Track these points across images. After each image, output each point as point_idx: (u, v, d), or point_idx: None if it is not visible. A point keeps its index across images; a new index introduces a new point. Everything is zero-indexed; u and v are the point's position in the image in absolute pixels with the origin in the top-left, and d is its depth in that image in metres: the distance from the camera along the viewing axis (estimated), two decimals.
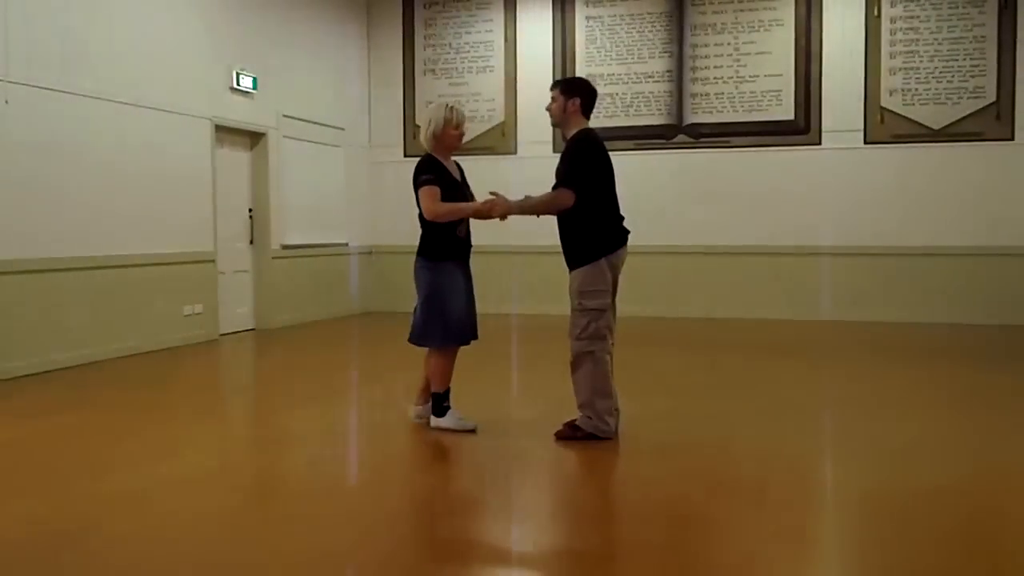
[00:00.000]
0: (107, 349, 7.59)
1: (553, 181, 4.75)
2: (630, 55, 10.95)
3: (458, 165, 5.12)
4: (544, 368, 6.67)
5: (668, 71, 10.84)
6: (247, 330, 9.68)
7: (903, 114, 10.17)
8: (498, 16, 11.38)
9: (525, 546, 3.48)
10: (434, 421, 5.02)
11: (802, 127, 10.46)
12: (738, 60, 10.63)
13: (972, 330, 9.40)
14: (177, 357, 7.93)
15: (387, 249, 11.63)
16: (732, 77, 10.66)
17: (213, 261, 8.94)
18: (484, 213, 4.75)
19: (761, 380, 6.91)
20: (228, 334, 9.26)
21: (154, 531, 3.51)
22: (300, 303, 10.33)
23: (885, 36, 10.21)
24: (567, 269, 4.80)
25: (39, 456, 4.69)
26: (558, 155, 4.92)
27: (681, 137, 10.84)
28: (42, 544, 3.35)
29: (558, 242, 4.84)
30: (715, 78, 10.71)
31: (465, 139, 5.14)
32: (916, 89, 10.13)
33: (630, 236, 4.89)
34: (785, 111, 10.51)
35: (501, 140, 11.32)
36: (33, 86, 6.95)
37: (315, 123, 10.62)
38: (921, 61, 10.11)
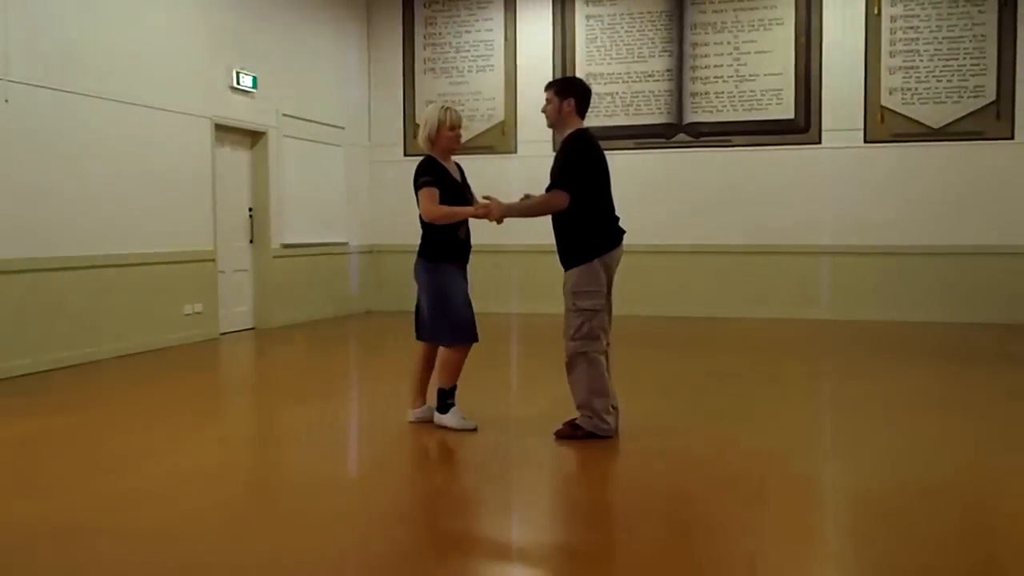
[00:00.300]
0: (107, 348, 7.60)
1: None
2: (630, 54, 10.95)
3: (459, 166, 5.13)
4: (544, 367, 6.67)
5: (668, 70, 10.84)
6: (247, 329, 9.68)
7: (903, 113, 10.17)
8: (498, 15, 11.38)
9: (525, 545, 3.48)
10: (437, 418, 5.04)
11: (802, 126, 10.46)
12: (738, 59, 10.63)
13: (972, 329, 9.40)
14: (177, 356, 7.93)
15: (387, 248, 11.64)
16: (732, 76, 10.66)
17: (213, 260, 8.95)
18: (480, 217, 4.80)
19: (761, 379, 6.92)
20: (228, 333, 9.27)
21: (155, 530, 3.51)
22: (300, 302, 10.33)
23: (885, 35, 10.21)
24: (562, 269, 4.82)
25: (39, 455, 4.69)
26: None
27: (681, 136, 10.84)
28: (42, 544, 3.35)
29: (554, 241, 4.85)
30: (715, 77, 10.71)
31: (465, 138, 5.15)
32: (916, 88, 10.13)
33: (627, 235, 4.89)
34: (785, 110, 10.51)
35: (501, 139, 11.32)
36: (33, 85, 6.95)
37: (315, 122, 10.62)
38: (921, 60, 10.11)
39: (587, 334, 4.69)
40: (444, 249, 4.93)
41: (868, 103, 10.26)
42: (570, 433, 4.79)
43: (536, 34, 11.25)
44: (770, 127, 10.54)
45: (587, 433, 4.74)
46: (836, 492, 4.13)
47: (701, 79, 10.76)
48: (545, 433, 4.86)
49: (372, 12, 11.89)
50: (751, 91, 10.60)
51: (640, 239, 9.95)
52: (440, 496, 4.14)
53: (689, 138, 10.82)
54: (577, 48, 11.11)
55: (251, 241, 9.81)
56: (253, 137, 9.79)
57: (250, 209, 9.79)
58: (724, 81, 10.68)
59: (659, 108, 10.88)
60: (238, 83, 9.28)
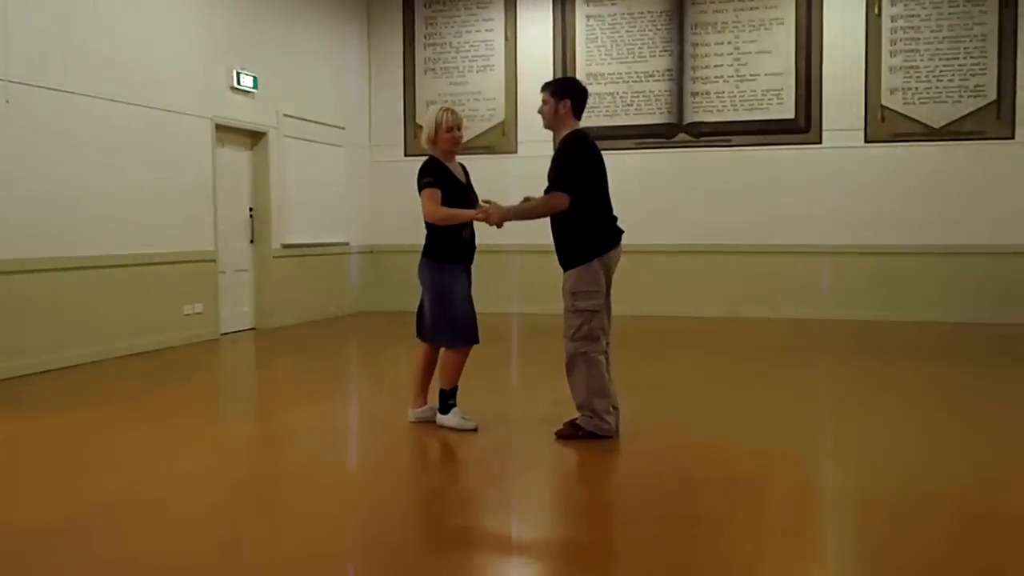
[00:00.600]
0: (107, 348, 7.60)
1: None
2: (630, 54, 10.95)
3: (463, 167, 5.14)
4: (544, 367, 6.67)
5: (668, 70, 10.84)
6: (247, 329, 9.68)
7: (903, 113, 10.17)
8: (498, 15, 11.38)
9: (526, 545, 3.48)
10: (439, 418, 5.05)
11: (802, 126, 10.46)
12: (738, 59, 10.63)
13: (973, 329, 9.39)
14: (177, 356, 7.93)
15: (388, 248, 11.64)
16: (732, 76, 10.65)
17: (214, 260, 8.95)
18: (480, 221, 4.81)
19: (761, 379, 6.91)
20: (228, 333, 9.27)
21: (155, 531, 3.51)
22: (301, 302, 10.33)
23: (885, 35, 10.21)
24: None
25: (39, 456, 4.69)
26: None
27: (682, 136, 10.84)
28: (42, 544, 3.35)
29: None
30: (716, 77, 10.71)
31: (466, 138, 5.16)
32: (916, 88, 10.13)
33: (627, 235, 4.88)
34: (785, 110, 10.50)
35: (501, 139, 11.32)
36: (34, 86, 6.96)
37: (316, 122, 10.62)
38: (921, 60, 10.11)
39: (587, 335, 4.68)
40: (449, 249, 4.94)
41: (868, 103, 10.25)
42: (571, 433, 4.79)
43: (536, 34, 11.24)
44: (771, 127, 10.54)
45: (588, 433, 4.74)
46: (836, 492, 4.12)
47: (701, 79, 10.76)
48: (546, 433, 4.86)
49: (372, 12, 11.89)
50: (752, 91, 10.60)
51: (640, 239, 9.94)
52: (441, 496, 4.14)
53: (690, 138, 10.81)
54: (577, 48, 11.11)
55: (251, 241, 9.81)
56: (253, 137, 9.79)
57: (250, 209, 9.79)
58: (724, 81, 10.68)
59: (659, 108, 10.87)
60: (239, 83, 9.28)
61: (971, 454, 4.65)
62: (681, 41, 10.80)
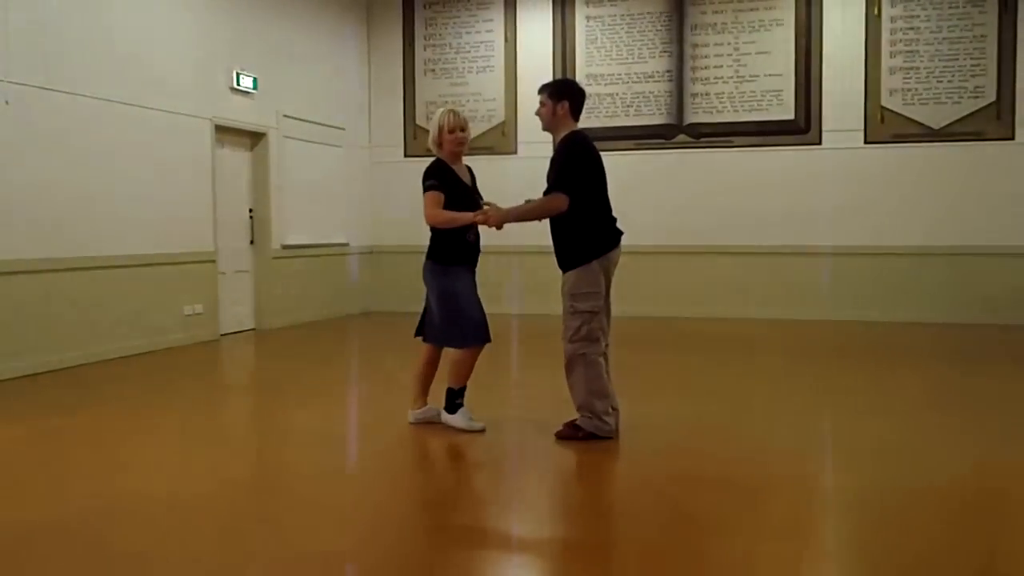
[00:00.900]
0: (108, 349, 7.60)
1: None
2: (630, 55, 10.95)
3: (469, 169, 5.14)
4: (545, 368, 6.67)
5: (668, 71, 10.84)
6: (247, 330, 9.68)
7: (903, 114, 10.17)
8: (498, 16, 11.39)
9: (527, 544, 3.48)
10: (445, 418, 5.05)
11: (802, 127, 10.46)
12: (738, 60, 10.63)
13: (973, 330, 9.39)
14: (177, 357, 7.93)
15: (387, 249, 11.65)
16: (732, 77, 10.66)
17: (213, 261, 8.95)
18: (480, 223, 4.81)
19: (762, 380, 6.91)
20: (228, 334, 9.27)
21: (155, 532, 3.51)
22: (300, 303, 10.33)
23: (885, 36, 10.21)
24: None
25: (40, 456, 4.69)
26: None
27: (681, 137, 10.85)
28: (42, 544, 3.35)
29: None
30: (715, 78, 10.71)
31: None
32: (916, 89, 10.13)
33: (626, 236, 4.88)
34: (785, 111, 10.51)
35: (502, 140, 11.32)
36: (34, 87, 6.96)
37: (315, 123, 10.63)
38: (921, 61, 10.11)
39: (586, 336, 4.68)
40: (453, 252, 4.94)
41: (868, 104, 10.26)
42: (571, 434, 4.79)
43: (536, 35, 11.25)
44: (770, 128, 10.54)
45: (588, 434, 4.74)
46: (836, 493, 4.12)
47: (701, 80, 10.76)
48: (546, 434, 4.86)
49: (372, 13, 11.89)
50: (751, 92, 10.60)
51: (640, 240, 9.94)
52: (441, 496, 4.14)
53: (689, 139, 10.82)
54: (577, 49, 11.11)
55: (251, 242, 9.81)
56: (253, 138, 9.79)
57: (250, 210, 9.80)
58: (724, 82, 10.69)
59: (659, 109, 10.88)
60: (238, 84, 9.28)
61: (971, 455, 4.64)
62: (681, 42, 10.80)
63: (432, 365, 5.14)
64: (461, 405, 5.02)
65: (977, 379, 6.85)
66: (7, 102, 6.72)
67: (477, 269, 5.10)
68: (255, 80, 9.52)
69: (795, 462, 4.55)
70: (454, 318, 4.91)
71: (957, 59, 10.02)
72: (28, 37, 6.92)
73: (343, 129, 11.23)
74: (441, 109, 5.10)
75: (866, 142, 10.29)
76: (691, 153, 10.80)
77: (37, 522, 3.59)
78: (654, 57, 10.89)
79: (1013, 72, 9.85)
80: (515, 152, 11.21)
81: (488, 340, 4.99)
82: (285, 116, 10.08)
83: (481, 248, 5.08)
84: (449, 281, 4.93)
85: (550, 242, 4.84)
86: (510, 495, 4.13)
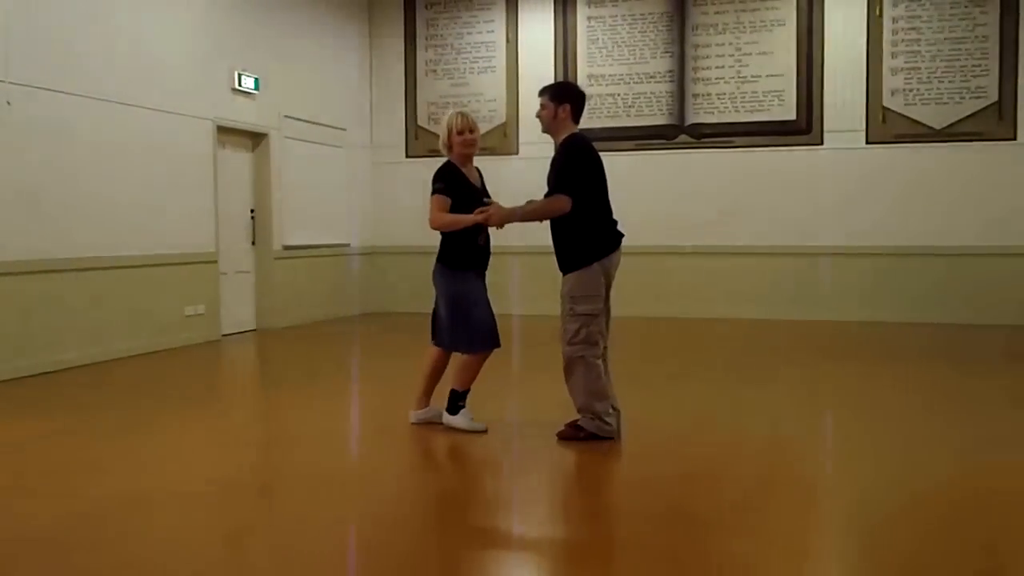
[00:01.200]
0: (109, 350, 7.60)
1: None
2: (632, 55, 10.95)
3: (479, 171, 5.13)
4: (546, 369, 6.66)
5: (670, 71, 10.84)
6: (249, 331, 9.69)
7: (905, 114, 10.17)
8: (499, 16, 11.39)
9: (527, 545, 3.48)
10: (446, 417, 5.04)
11: (804, 127, 10.46)
12: (740, 60, 10.63)
13: (974, 330, 9.38)
14: (179, 358, 7.93)
15: (388, 250, 11.65)
16: (734, 77, 10.65)
17: (215, 262, 8.95)
18: (481, 223, 4.79)
19: (761, 380, 6.91)
20: (230, 335, 9.27)
21: (156, 533, 3.51)
22: (302, 304, 10.33)
23: (887, 36, 10.21)
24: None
25: (40, 457, 4.69)
26: None
27: (683, 137, 10.84)
28: (42, 544, 3.35)
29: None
30: (717, 78, 10.71)
31: None
32: (918, 89, 10.12)
33: (629, 237, 4.88)
34: (787, 111, 10.50)
35: (503, 140, 11.32)
36: (35, 87, 6.96)
37: (317, 124, 10.63)
38: (923, 61, 10.11)
39: (584, 339, 4.68)
40: (463, 256, 4.92)
41: (870, 104, 10.25)
42: (572, 434, 4.79)
43: (537, 35, 11.25)
44: (772, 128, 10.54)
45: (589, 434, 4.74)
46: (836, 492, 4.12)
47: (703, 80, 10.76)
48: (547, 434, 4.86)
49: (374, 14, 11.90)
50: (753, 92, 10.59)
51: (641, 240, 9.93)
52: (441, 496, 4.14)
53: (691, 139, 10.81)
54: (578, 49, 11.11)
55: (253, 243, 9.81)
56: (255, 139, 9.79)
57: (252, 211, 9.80)
58: (726, 82, 10.68)
59: (661, 109, 10.87)
60: (240, 85, 9.29)
61: (970, 455, 4.64)
62: (682, 42, 10.80)
63: (439, 368, 5.13)
64: (463, 406, 5.02)
65: (977, 380, 6.84)
66: (8, 102, 6.72)
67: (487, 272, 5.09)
68: (257, 81, 9.52)
69: (795, 462, 4.55)
70: (463, 323, 4.90)
71: (959, 59, 10.01)
72: (29, 38, 6.92)
73: (344, 130, 11.23)
74: (451, 111, 5.09)
75: (868, 142, 10.28)
76: (692, 153, 10.80)
77: (35, 522, 3.60)
78: (655, 57, 10.88)
79: (1015, 72, 9.84)
80: (516, 153, 11.21)
81: (497, 345, 4.97)
82: (287, 117, 10.09)
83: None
84: (458, 285, 4.92)
85: (550, 242, 4.84)
86: (511, 495, 4.13)
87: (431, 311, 5.12)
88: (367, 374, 7.58)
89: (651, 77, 10.90)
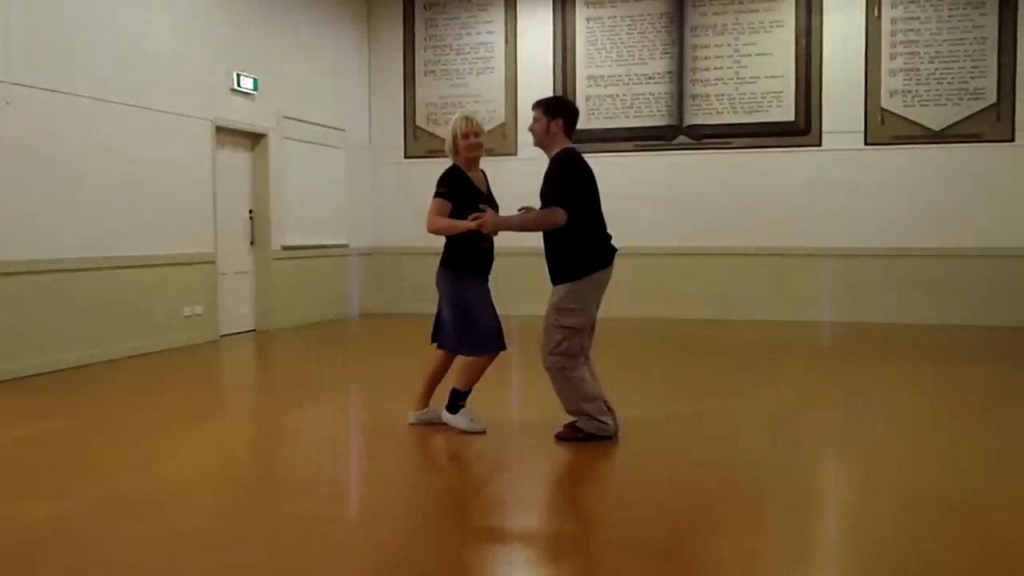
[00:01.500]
0: (107, 350, 7.59)
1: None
2: (630, 56, 10.95)
3: (484, 175, 5.12)
4: (543, 370, 6.66)
5: (668, 72, 10.84)
6: (247, 331, 9.68)
7: (904, 115, 10.18)
8: (498, 17, 11.39)
9: (526, 544, 3.48)
10: (446, 416, 5.04)
11: (802, 128, 10.46)
12: (738, 61, 10.63)
13: (973, 331, 9.39)
14: (177, 358, 7.93)
15: (387, 250, 11.65)
16: (732, 78, 10.66)
17: (213, 262, 8.95)
18: (475, 229, 4.77)
19: (761, 382, 6.91)
20: (228, 335, 9.26)
21: (156, 534, 3.51)
22: (300, 304, 10.33)
23: (885, 37, 10.22)
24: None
25: (40, 457, 4.68)
26: None
27: (681, 138, 10.84)
28: (42, 545, 3.35)
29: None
30: (715, 79, 10.71)
31: None
32: (916, 90, 10.14)
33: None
34: (785, 112, 10.51)
35: (502, 142, 11.31)
36: (34, 87, 6.96)
37: (315, 124, 10.63)
38: (922, 62, 10.12)
39: (565, 351, 4.70)
40: (467, 259, 4.92)
41: (868, 105, 10.26)
42: (571, 435, 4.79)
43: (536, 37, 11.25)
44: (771, 129, 10.54)
45: (587, 435, 4.75)
46: (836, 493, 4.12)
47: (701, 81, 10.76)
48: (546, 435, 4.86)
49: (372, 14, 11.90)
50: (751, 93, 10.60)
51: (640, 241, 9.95)
52: (441, 496, 4.13)
53: (690, 140, 10.82)
54: (577, 50, 11.11)
55: (251, 243, 9.81)
56: (254, 139, 9.79)
57: (250, 211, 9.79)
58: (724, 83, 10.69)
59: (659, 110, 10.88)
60: (239, 85, 9.28)
61: (970, 455, 4.64)
62: (681, 43, 10.81)
63: (441, 370, 5.12)
64: (463, 406, 5.02)
65: (978, 379, 6.84)
66: (7, 103, 6.72)
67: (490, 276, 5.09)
68: (255, 81, 9.52)
69: (795, 462, 4.55)
70: (467, 326, 4.90)
71: (957, 61, 10.02)
72: (28, 38, 6.92)
73: (343, 130, 11.23)
74: (456, 116, 5.06)
75: (866, 144, 10.29)
76: (691, 154, 10.80)
77: (35, 522, 3.59)
78: (654, 58, 10.89)
79: (1013, 74, 9.85)
80: (515, 154, 11.19)
81: (503, 347, 4.98)
82: (285, 117, 10.09)
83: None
84: (462, 289, 4.92)
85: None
86: (510, 496, 4.13)
87: (435, 313, 5.12)
88: (366, 374, 7.58)
89: (650, 78, 10.90)
